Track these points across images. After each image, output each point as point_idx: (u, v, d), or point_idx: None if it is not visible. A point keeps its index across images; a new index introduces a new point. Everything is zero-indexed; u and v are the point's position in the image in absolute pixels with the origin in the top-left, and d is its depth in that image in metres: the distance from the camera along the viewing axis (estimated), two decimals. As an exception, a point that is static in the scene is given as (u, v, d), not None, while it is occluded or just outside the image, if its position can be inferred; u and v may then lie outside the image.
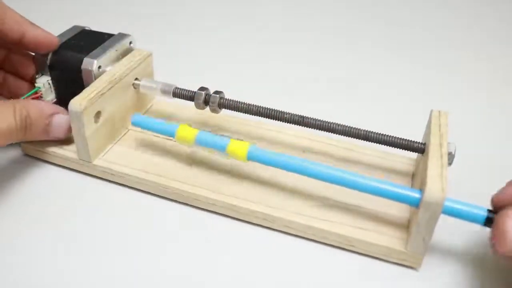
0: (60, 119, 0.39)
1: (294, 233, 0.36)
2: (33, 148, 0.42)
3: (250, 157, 0.37)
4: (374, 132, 0.38)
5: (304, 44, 0.64)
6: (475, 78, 0.57)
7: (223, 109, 0.42)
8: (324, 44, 0.64)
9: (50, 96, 0.42)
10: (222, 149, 0.37)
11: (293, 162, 0.36)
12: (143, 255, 0.35)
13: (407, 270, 0.35)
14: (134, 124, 0.40)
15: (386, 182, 0.33)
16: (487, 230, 0.31)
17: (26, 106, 0.36)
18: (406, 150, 0.38)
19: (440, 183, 0.31)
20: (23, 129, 0.36)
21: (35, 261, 0.34)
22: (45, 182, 0.41)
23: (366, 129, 0.38)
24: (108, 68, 0.41)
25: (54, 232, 0.36)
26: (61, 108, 0.39)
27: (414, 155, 0.41)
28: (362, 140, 0.39)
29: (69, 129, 0.39)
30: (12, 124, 0.35)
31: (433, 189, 0.31)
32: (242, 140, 0.37)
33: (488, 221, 0.31)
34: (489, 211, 0.32)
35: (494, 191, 0.32)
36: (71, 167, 0.41)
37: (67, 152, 0.41)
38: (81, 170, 0.41)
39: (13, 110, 0.35)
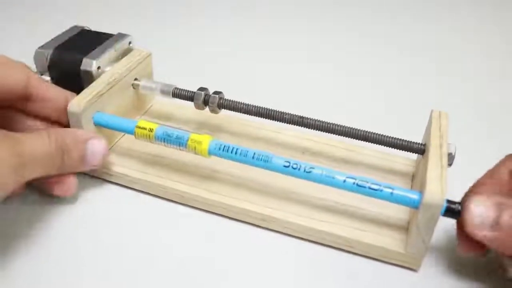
0: (95, 145, 0.36)
1: (292, 234, 0.36)
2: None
3: (212, 152, 0.36)
4: (374, 133, 0.38)
5: (304, 45, 0.64)
6: (475, 78, 0.57)
7: (223, 110, 0.41)
8: (324, 44, 0.64)
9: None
10: (182, 144, 0.36)
11: (257, 156, 0.35)
12: (142, 255, 0.35)
13: (406, 272, 0.35)
14: (97, 123, 0.39)
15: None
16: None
17: (61, 133, 0.34)
18: (406, 151, 0.38)
19: (440, 184, 0.31)
20: (59, 157, 0.34)
21: (33, 264, 0.34)
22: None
23: (366, 130, 0.38)
24: (107, 69, 0.41)
25: (51, 234, 0.36)
26: (96, 135, 0.37)
27: (414, 155, 0.41)
28: (362, 141, 0.38)
29: (105, 156, 0.37)
30: (48, 150, 0.33)
31: (433, 190, 0.31)
32: (205, 134, 0.37)
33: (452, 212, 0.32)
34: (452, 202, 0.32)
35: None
36: (70, 167, 0.41)
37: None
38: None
39: (47, 136, 0.33)
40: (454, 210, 0.32)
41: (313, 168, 0.34)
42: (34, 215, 0.38)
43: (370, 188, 0.33)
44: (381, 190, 0.33)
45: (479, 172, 0.42)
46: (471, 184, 0.39)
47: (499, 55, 0.61)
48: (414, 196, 0.32)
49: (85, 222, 0.37)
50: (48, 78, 0.42)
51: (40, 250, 0.35)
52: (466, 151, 0.39)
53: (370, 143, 0.38)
